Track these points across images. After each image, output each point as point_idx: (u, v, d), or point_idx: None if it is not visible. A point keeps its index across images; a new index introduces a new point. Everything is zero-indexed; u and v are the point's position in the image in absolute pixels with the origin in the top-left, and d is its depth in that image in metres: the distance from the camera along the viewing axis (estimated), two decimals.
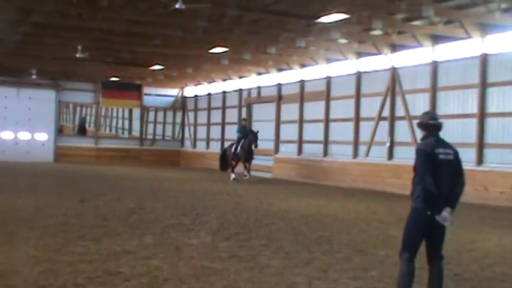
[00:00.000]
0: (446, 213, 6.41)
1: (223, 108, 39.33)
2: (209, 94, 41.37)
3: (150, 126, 44.97)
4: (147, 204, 16.39)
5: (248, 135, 27.14)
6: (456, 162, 6.66)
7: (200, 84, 42.03)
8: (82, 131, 46.27)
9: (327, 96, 28.85)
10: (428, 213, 6.45)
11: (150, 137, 44.52)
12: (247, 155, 26.99)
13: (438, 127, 6.78)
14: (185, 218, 13.82)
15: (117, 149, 42.35)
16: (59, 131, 41.99)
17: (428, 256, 6.72)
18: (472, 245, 11.41)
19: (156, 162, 41.74)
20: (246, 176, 26.90)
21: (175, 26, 22.81)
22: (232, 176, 27.42)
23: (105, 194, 19.17)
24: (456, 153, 6.71)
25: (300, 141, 30.87)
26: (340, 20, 19.55)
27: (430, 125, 6.77)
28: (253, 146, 26.71)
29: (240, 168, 28.03)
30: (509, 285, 8.16)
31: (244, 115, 36.54)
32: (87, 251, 9.51)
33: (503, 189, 19.49)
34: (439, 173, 6.47)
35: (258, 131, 27.56)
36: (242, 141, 27.16)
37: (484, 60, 20.76)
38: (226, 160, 28.72)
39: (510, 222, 15.29)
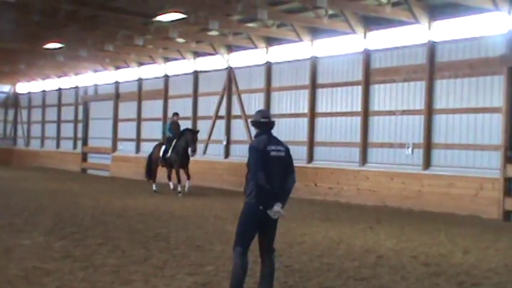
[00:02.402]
0: (277, 207, 6.65)
1: (59, 105, 38.13)
2: (44, 91, 39.86)
3: None
4: None
5: (184, 134, 21.05)
6: (287, 159, 6.92)
7: (34, 80, 40.33)
8: None
9: (165, 94, 28.90)
10: (261, 207, 6.66)
11: None
12: (181, 161, 20.86)
13: (270, 125, 7.01)
14: (17, 219, 13.31)
15: None
16: None
17: (260, 250, 6.94)
18: (302, 238, 11.99)
19: None
20: (179, 192, 20.60)
21: (6, 19, 21.73)
22: (154, 187, 21.82)
23: None
24: (287, 150, 6.97)
25: (138, 140, 30.65)
26: (178, 20, 19.70)
27: (262, 123, 7.00)
28: (189, 150, 20.61)
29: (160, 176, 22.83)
30: (334, 274, 8.70)
31: (80, 113, 35.60)
32: None
33: (331, 184, 20.63)
34: (270, 169, 6.69)
35: (198, 131, 21.77)
36: (174, 142, 21.13)
37: (314, 62, 21.84)
38: (151, 166, 22.44)
39: (337, 215, 16.22)
